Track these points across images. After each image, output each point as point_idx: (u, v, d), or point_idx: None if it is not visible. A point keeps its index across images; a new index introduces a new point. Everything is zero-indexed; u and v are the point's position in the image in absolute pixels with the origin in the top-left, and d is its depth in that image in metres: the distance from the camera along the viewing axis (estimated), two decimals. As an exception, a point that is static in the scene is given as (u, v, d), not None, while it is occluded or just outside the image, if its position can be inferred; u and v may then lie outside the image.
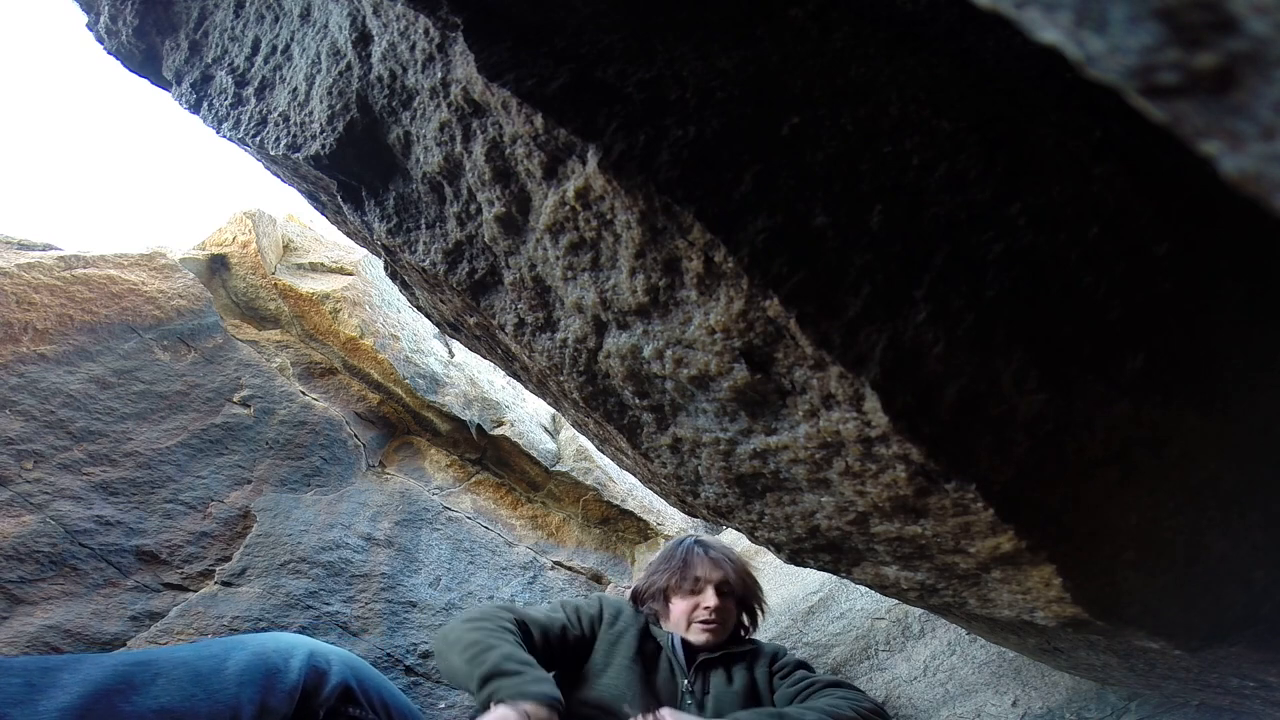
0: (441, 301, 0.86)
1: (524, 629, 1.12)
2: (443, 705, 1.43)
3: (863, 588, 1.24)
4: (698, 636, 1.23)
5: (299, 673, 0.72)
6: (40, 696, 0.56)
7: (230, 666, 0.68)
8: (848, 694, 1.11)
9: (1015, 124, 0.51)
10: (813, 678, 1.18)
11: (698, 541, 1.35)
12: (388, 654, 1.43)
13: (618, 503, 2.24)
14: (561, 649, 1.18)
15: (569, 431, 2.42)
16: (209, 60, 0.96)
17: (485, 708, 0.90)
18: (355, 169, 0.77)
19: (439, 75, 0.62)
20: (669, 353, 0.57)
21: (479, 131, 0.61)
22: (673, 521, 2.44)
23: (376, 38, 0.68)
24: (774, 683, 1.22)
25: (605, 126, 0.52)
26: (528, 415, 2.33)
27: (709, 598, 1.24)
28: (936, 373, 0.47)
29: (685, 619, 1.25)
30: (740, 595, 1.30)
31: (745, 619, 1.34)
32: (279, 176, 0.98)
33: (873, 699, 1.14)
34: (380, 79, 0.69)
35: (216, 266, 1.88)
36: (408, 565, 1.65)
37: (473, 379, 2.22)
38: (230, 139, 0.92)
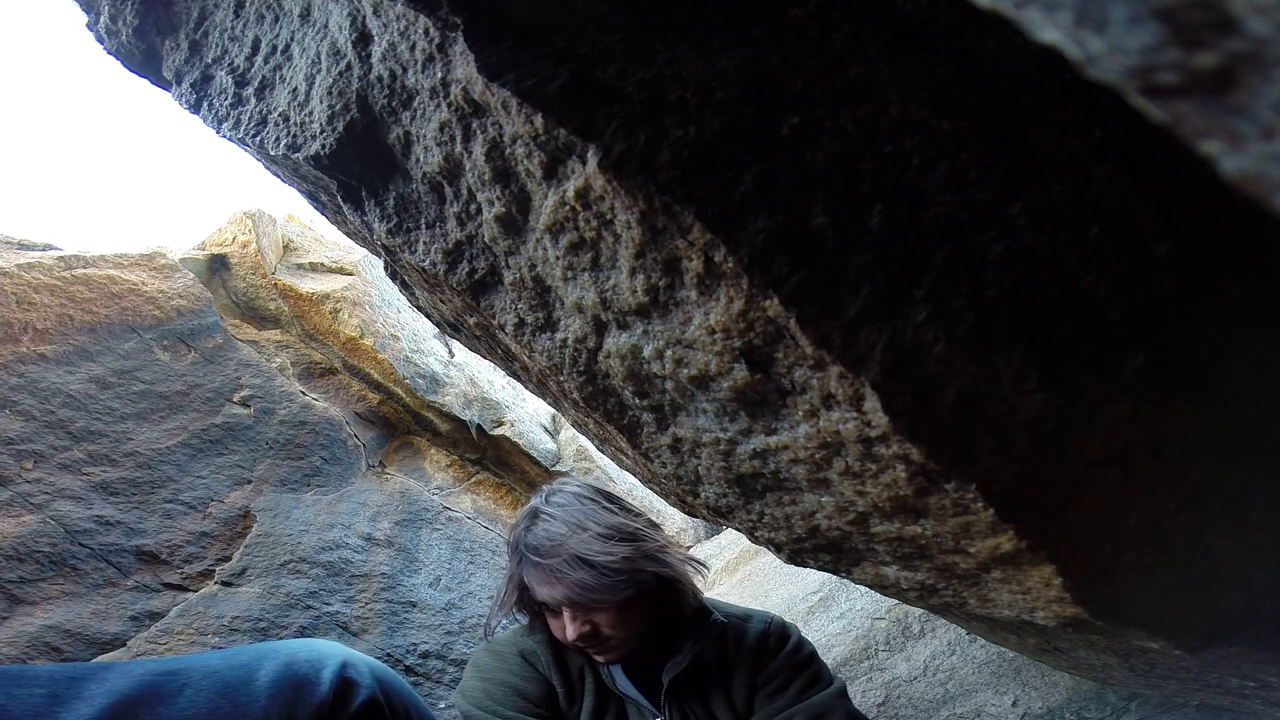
0: (441, 301, 0.86)
1: None
2: (443, 705, 1.44)
3: (863, 588, 1.24)
4: (598, 659, 0.91)
5: (330, 684, 0.69)
6: (62, 708, 0.54)
7: (261, 678, 0.65)
8: None
9: (1015, 124, 0.51)
10: (792, 713, 0.88)
11: (525, 543, 0.90)
12: (388, 654, 1.43)
13: (618, 503, 2.24)
14: None
15: (569, 431, 2.42)
16: (209, 60, 0.96)
17: None
18: (355, 169, 0.77)
19: (439, 75, 0.62)
20: (669, 353, 0.57)
21: (479, 131, 0.61)
22: (673, 521, 2.44)
23: (376, 38, 0.68)
24: (757, 699, 0.91)
25: (605, 126, 0.52)
26: (528, 415, 2.33)
27: (569, 626, 0.86)
28: (936, 373, 0.47)
29: (569, 643, 0.90)
30: (617, 606, 0.85)
31: (670, 601, 0.94)
32: (279, 176, 0.98)
33: None
34: (380, 79, 0.69)
35: (216, 266, 1.89)
36: (408, 565, 1.65)
37: (473, 379, 2.22)
38: (230, 139, 0.93)
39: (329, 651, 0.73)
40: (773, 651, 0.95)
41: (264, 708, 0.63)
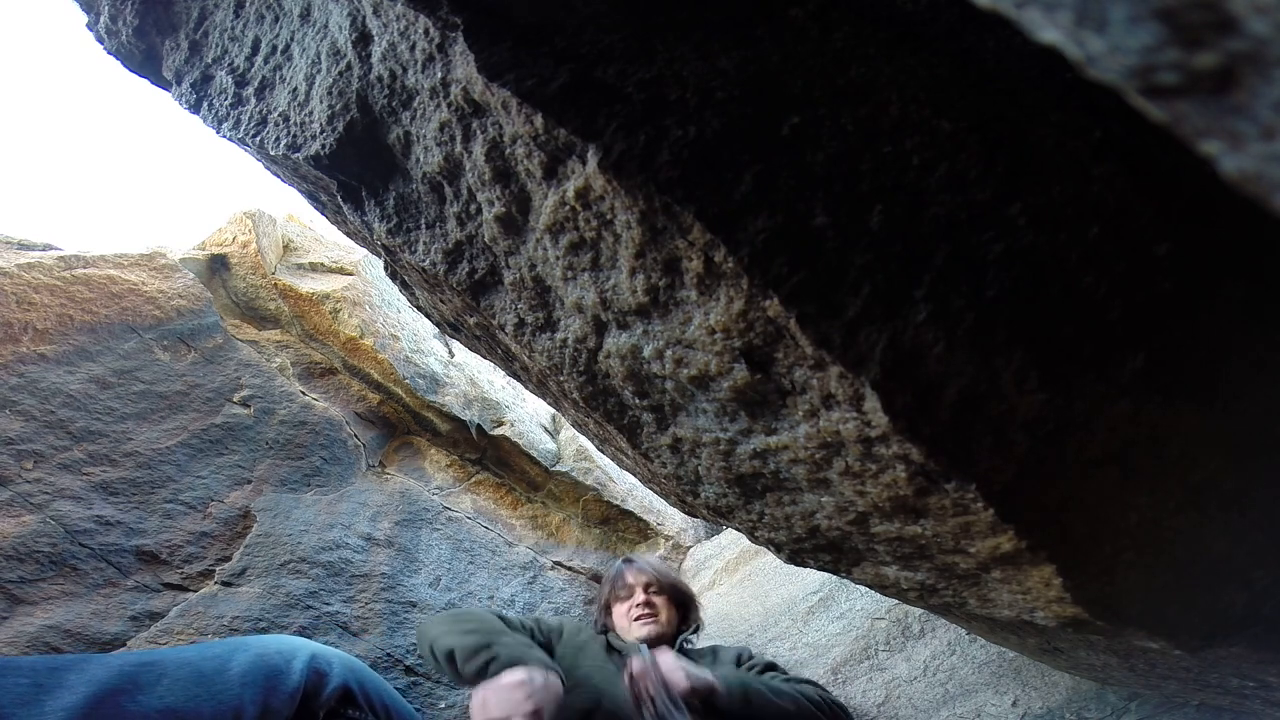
0: (441, 301, 0.86)
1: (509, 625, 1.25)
2: (443, 705, 1.43)
3: (863, 588, 1.24)
4: (639, 631, 1.40)
5: (300, 674, 0.73)
6: (47, 696, 0.57)
7: (234, 667, 0.69)
8: (816, 688, 1.23)
9: (1015, 124, 0.51)
10: (780, 675, 1.28)
11: (625, 560, 1.61)
12: (388, 654, 1.43)
13: (618, 503, 2.24)
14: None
15: (569, 431, 2.42)
16: (209, 60, 0.96)
17: (482, 675, 0.96)
18: (355, 169, 0.77)
19: (439, 75, 0.62)
20: (669, 353, 0.57)
21: (479, 131, 0.61)
22: (673, 521, 2.44)
23: (376, 38, 0.68)
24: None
25: (605, 126, 0.52)
26: (528, 415, 2.33)
27: (638, 595, 1.48)
28: (936, 373, 0.47)
29: (626, 621, 1.45)
30: (670, 594, 1.52)
31: (685, 620, 1.51)
32: (279, 176, 0.98)
33: (838, 700, 1.24)
34: (380, 79, 0.69)
35: (216, 266, 1.88)
36: (408, 565, 1.65)
37: (473, 379, 2.22)
38: (230, 139, 0.92)
39: (298, 645, 0.77)
40: (747, 655, 1.40)
41: (237, 695, 0.67)
